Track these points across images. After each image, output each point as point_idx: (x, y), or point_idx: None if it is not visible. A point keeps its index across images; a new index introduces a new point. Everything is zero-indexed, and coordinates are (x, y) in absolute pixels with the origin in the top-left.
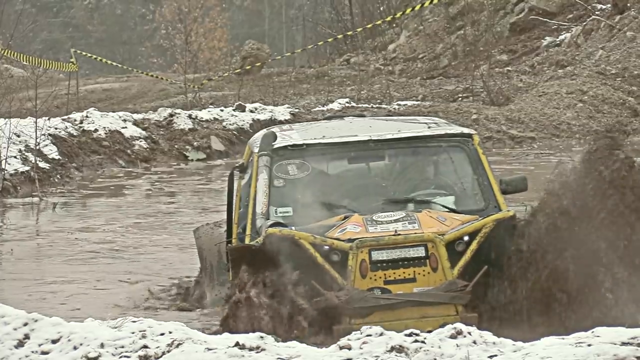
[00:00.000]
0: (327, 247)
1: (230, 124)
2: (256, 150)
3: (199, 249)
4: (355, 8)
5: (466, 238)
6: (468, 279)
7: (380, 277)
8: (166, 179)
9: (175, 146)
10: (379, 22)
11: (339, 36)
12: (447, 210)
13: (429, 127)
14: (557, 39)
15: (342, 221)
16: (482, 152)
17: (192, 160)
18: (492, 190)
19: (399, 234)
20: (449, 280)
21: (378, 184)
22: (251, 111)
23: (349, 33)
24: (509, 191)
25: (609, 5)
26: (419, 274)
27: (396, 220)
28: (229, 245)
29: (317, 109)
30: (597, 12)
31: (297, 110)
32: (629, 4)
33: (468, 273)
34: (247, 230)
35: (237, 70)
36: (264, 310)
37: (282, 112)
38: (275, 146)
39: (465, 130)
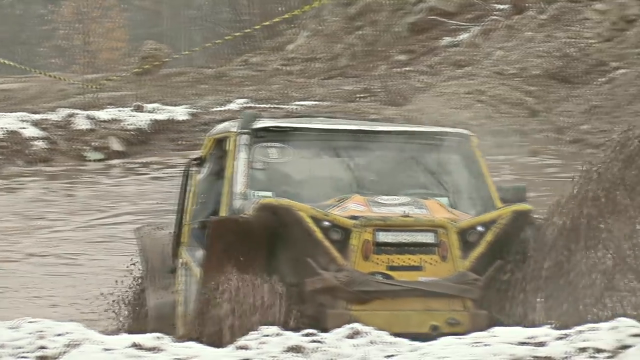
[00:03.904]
0: (327, 223)
1: (128, 124)
2: (234, 129)
3: (141, 250)
4: (254, 8)
5: (479, 229)
6: (479, 273)
7: (383, 262)
8: (64, 179)
9: (74, 146)
10: (277, 19)
11: (237, 34)
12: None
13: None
14: (456, 39)
15: (341, 202)
16: (481, 154)
17: (90, 160)
18: (490, 195)
19: (410, 216)
20: (460, 272)
21: (366, 178)
22: (150, 111)
23: (247, 30)
24: (506, 200)
25: (507, 6)
26: (427, 262)
27: (402, 204)
28: (210, 219)
29: (216, 109)
30: (495, 12)
31: (196, 110)
32: (527, 4)
33: (481, 266)
34: (222, 213)
35: (136, 71)
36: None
37: (181, 112)
38: (257, 126)
39: (464, 131)
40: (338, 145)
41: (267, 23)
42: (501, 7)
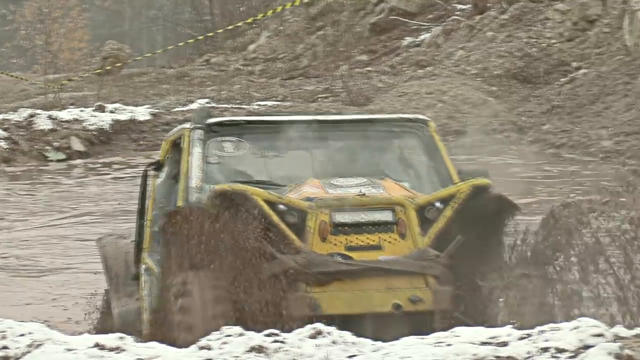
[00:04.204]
0: (283, 207)
1: (90, 125)
2: (188, 125)
3: (104, 258)
4: (216, 8)
5: (438, 205)
6: (441, 250)
7: (341, 242)
8: (26, 179)
9: (36, 147)
10: (239, 23)
11: (200, 37)
12: None
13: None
14: (417, 39)
15: (296, 187)
16: (439, 139)
17: (52, 160)
18: (451, 179)
19: (365, 195)
20: (420, 249)
21: (325, 167)
22: (111, 112)
23: (209, 34)
24: None
25: (469, 6)
26: (386, 240)
27: (358, 185)
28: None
29: (178, 109)
30: (457, 13)
31: (157, 110)
32: (489, 5)
33: (440, 243)
34: None
35: (98, 71)
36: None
37: (142, 112)
38: (210, 121)
39: (421, 116)
40: (295, 137)
41: (230, 27)
42: (462, 7)
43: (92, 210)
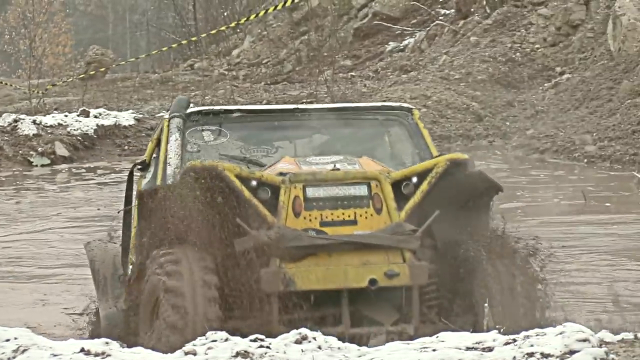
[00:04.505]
0: (255, 182)
1: (74, 130)
2: (166, 116)
3: (91, 262)
4: (199, 13)
5: (414, 180)
6: (418, 225)
7: (316, 218)
8: (9, 184)
9: (20, 152)
10: (223, 27)
11: (184, 42)
12: None
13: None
14: (401, 44)
15: (271, 165)
16: (423, 126)
17: (36, 165)
18: None
19: (338, 169)
20: (396, 223)
21: (307, 155)
22: (95, 117)
23: (193, 39)
24: None
25: (452, 11)
26: (361, 215)
27: (333, 162)
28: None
29: (162, 114)
30: (440, 17)
31: (141, 115)
32: (472, 10)
33: (417, 218)
34: None
35: (81, 76)
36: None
37: (126, 117)
38: (189, 110)
39: (404, 105)
40: (278, 126)
41: (213, 32)
42: (446, 12)
43: (77, 216)
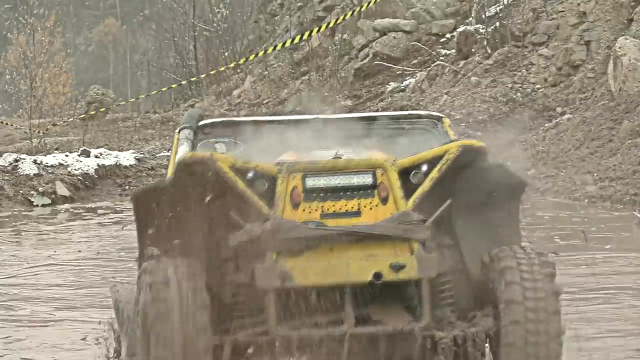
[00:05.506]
0: (251, 174)
1: (75, 169)
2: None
3: (115, 302)
4: (200, 53)
5: (424, 168)
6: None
7: (316, 209)
8: (10, 224)
9: (21, 191)
10: (222, 68)
11: (183, 82)
12: None
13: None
14: (402, 85)
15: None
16: (453, 133)
17: (37, 205)
18: None
19: (340, 157)
20: (402, 211)
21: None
22: (96, 156)
23: (193, 79)
24: None
25: (453, 51)
26: (365, 206)
27: (336, 151)
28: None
29: (162, 154)
30: (441, 58)
31: (142, 155)
32: (473, 50)
33: (427, 208)
34: None
35: (82, 116)
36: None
37: (127, 157)
38: (202, 122)
39: (435, 113)
40: (298, 138)
41: (212, 72)
42: (447, 52)
43: (79, 256)
